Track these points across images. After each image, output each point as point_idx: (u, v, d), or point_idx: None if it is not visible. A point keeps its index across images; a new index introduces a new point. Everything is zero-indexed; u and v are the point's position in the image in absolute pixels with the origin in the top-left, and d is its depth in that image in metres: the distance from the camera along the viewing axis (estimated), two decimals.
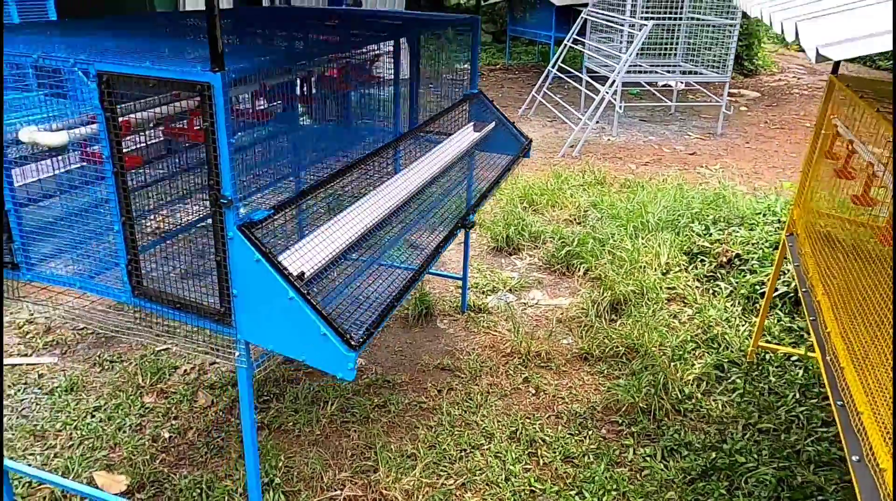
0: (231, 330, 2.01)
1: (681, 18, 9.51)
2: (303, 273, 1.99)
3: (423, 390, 3.56)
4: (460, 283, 4.48)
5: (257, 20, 3.33)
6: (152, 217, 2.26)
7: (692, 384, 3.61)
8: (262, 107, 2.92)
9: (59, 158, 2.21)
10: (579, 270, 4.87)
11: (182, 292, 2.05)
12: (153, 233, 2.27)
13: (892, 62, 13.28)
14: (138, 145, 2.23)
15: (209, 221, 2.73)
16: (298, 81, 3.16)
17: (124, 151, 1.94)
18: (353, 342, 1.90)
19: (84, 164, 2.19)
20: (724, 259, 4.73)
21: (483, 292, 4.61)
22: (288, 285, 1.88)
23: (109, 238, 2.20)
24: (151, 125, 2.35)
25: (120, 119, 1.95)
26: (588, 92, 9.19)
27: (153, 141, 2.55)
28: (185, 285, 2.09)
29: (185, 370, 3.64)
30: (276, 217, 2.09)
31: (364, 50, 3.24)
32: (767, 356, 3.83)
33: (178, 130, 2.49)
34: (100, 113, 1.87)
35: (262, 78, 2.46)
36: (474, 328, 4.18)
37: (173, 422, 3.25)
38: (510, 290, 4.66)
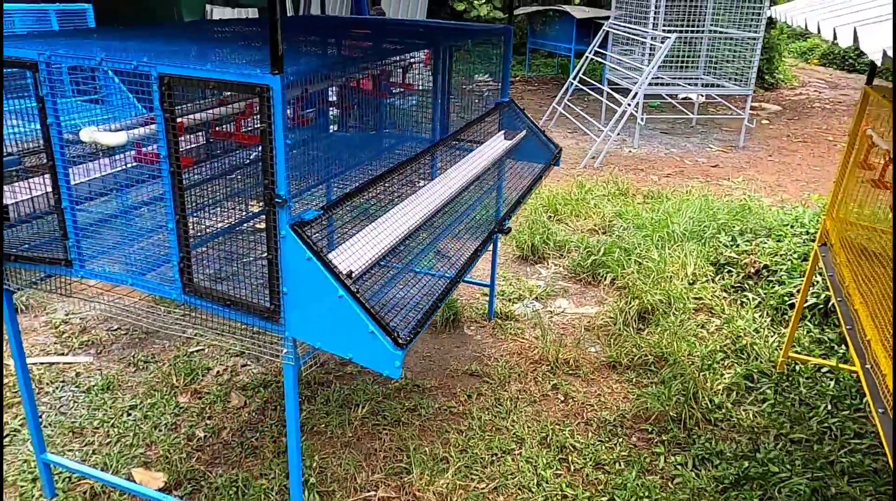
0: (280, 327, 2.05)
1: (703, 31, 9.53)
2: (351, 272, 2.03)
3: (453, 395, 3.58)
4: (487, 290, 4.51)
5: (294, 29, 3.40)
6: (203, 216, 2.31)
7: (722, 394, 3.60)
8: (303, 112, 2.98)
9: (115, 157, 2.28)
10: (605, 279, 4.88)
11: (231, 290, 2.09)
12: (203, 231, 2.32)
13: None
14: (190, 146, 2.30)
15: (254, 221, 2.79)
16: (336, 88, 3.23)
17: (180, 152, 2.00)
18: (400, 341, 1.94)
19: (138, 163, 2.25)
20: (752, 270, 4.72)
21: (509, 300, 4.64)
22: (338, 283, 1.92)
23: (161, 236, 2.26)
24: (203, 127, 2.42)
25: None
26: (609, 104, 9.23)
27: (200, 143, 2.61)
28: (234, 283, 2.14)
29: (218, 372, 3.69)
30: (323, 218, 2.14)
31: (400, 58, 3.30)
32: (798, 368, 3.82)
33: (226, 133, 2.55)
34: (160, 114, 1.93)
35: (306, 83, 2.52)
36: (501, 334, 4.20)
37: (207, 422, 3.30)
38: (536, 298, 4.68)
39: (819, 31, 1.75)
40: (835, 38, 1.54)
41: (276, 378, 3.63)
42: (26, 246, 2.36)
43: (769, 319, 4.29)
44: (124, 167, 2.30)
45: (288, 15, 10.19)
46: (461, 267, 2.52)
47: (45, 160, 2.18)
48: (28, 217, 2.37)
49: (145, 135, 2.13)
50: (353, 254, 2.16)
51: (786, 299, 4.37)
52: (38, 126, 2.08)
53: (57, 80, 2.10)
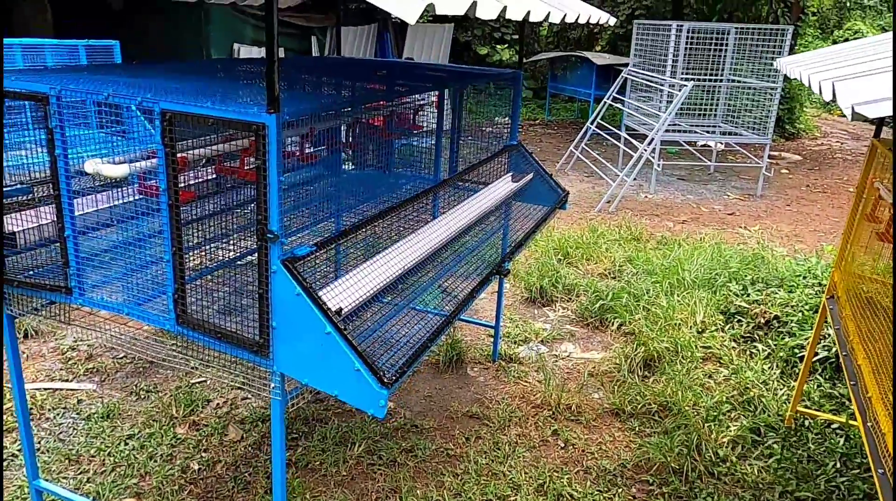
0: (268, 362, 2.06)
1: (721, 80, 9.59)
2: (340, 309, 2.04)
3: (451, 437, 3.54)
4: (492, 331, 4.49)
5: (308, 69, 3.50)
6: (198, 250, 2.35)
7: (727, 447, 3.51)
8: (309, 150, 3.03)
9: (118, 189, 2.33)
10: (613, 324, 4.83)
11: (222, 323, 2.11)
12: (198, 265, 2.36)
13: None
14: (191, 181, 2.35)
15: (250, 257, 2.82)
16: (344, 127, 3.29)
17: (179, 185, 2.05)
18: (385, 380, 1.93)
19: (139, 196, 2.30)
20: (762, 320, 4.64)
21: (515, 342, 4.60)
22: (326, 320, 1.93)
23: (157, 268, 2.30)
24: (204, 163, 2.47)
25: (178, 155, 2.06)
26: (626, 149, 9.27)
27: (202, 178, 2.67)
28: (225, 317, 2.16)
29: (218, 404, 3.70)
30: (317, 254, 2.16)
31: (409, 100, 3.37)
32: (807, 422, 3.71)
33: (230, 169, 2.61)
34: (160, 148, 1.98)
35: (311, 122, 2.58)
36: (505, 377, 4.16)
37: (203, 454, 3.29)
38: (542, 341, 4.64)
39: (810, 85, 1.76)
40: (820, 91, 1.55)
41: None
42: (30, 273, 2.41)
43: (779, 371, 4.20)
44: (128, 200, 2.35)
45: (313, 56, 10.45)
46: (455, 307, 2.51)
47: (52, 190, 2.24)
48: (33, 244, 2.43)
49: (147, 168, 2.18)
50: (346, 291, 2.17)
51: (796, 351, 4.28)
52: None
53: (70, 113, 2.17)
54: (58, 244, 2.36)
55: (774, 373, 4.18)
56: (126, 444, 3.32)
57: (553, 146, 11.43)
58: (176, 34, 8.77)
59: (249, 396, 3.79)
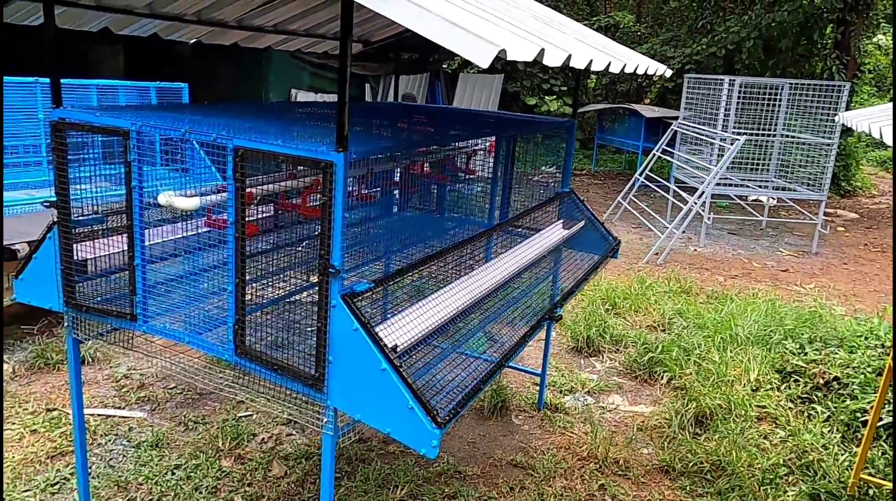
0: (322, 396, 2.07)
1: (774, 135, 9.48)
2: (396, 346, 2.05)
3: (495, 485, 3.46)
4: (537, 379, 4.42)
5: (366, 113, 3.61)
6: (258, 283, 2.41)
7: None
8: (366, 190, 3.11)
9: (186, 222, 2.42)
10: (662, 378, 4.71)
11: (279, 355, 2.14)
12: (258, 297, 2.41)
13: None
14: (259, 216, 2.43)
15: (307, 292, 2.87)
16: (400, 169, 3.37)
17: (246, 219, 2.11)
18: (438, 420, 1.92)
19: (206, 229, 2.39)
20: (821, 381, 4.46)
21: (560, 392, 4.52)
22: (382, 356, 1.95)
23: (218, 299, 2.36)
24: (269, 198, 2.55)
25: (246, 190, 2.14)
26: (675, 201, 9.18)
27: (268, 213, 2.75)
28: (282, 349, 2.19)
29: (263, 439, 3.71)
30: (375, 291, 2.19)
31: (465, 145, 3.43)
32: (871, 491, 3.52)
33: (292, 204, 2.69)
34: (231, 183, 2.06)
35: (370, 163, 2.65)
36: (550, 426, 4.08)
37: (247, 489, 3.29)
38: (588, 392, 4.55)
39: (881, 136, 1.74)
40: (881, 136, 1.53)
41: (318, 451, 3.61)
42: (98, 299, 2.50)
43: (839, 435, 4.01)
44: (194, 232, 2.44)
45: (367, 101, 10.78)
46: (507, 351, 2.50)
47: (124, 220, 2.35)
48: (102, 272, 2.53)
49: (217, 202, 2.27)
50: (401, 329, 2.19)
51: (858, 415, 4.08)
52: (123, 190, 2.26)
53: (147, 148, 2.29)
54: (121, 272, 2.46)
55: (835, 437, 3.98)
56: (173, 473, 3.35)
57: (600, 196, 11.40)
58: (238, 79, 9.18)
59: (294, 432, 3.80)
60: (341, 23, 1.78)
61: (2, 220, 2.43)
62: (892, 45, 12.37)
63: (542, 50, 1.70)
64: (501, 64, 13.29)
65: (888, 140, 1.60)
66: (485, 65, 1.43)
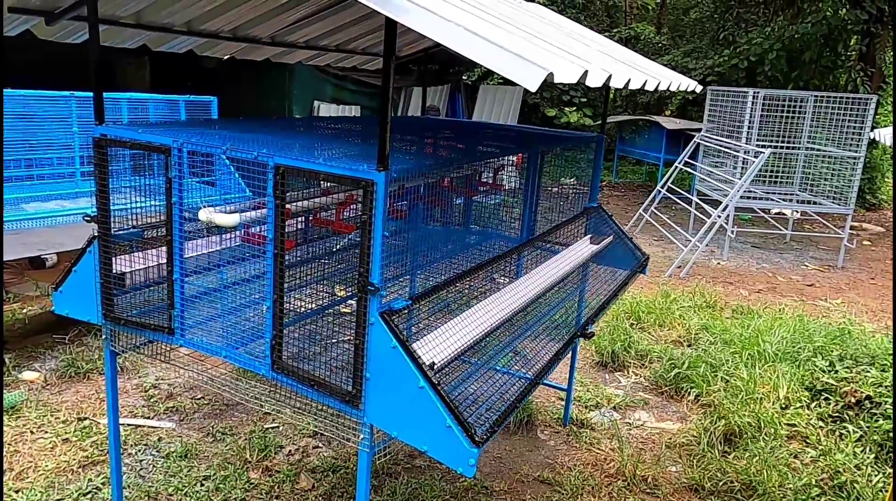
0: (359, 413, 2.08)
1: (798, 148, 9.39)
2: (433, 363, 2.06)
3: None
4: (563, 394, 4.40)
5: (396, 128, 3.63)
6: (296, 297, 2.42)
7: None
8: (398, 205, 3.12)
9: (225, 236, 2.45)
10: (689, 394, 4.66)
11: (316, 371, 2.15)
12: (294, 312, 2.43)
13: None
14: (292, 230, 2.45)
15: (340, 306, 2.89)
16: (431, 184, 3.38)
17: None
18: (476, 438, 1.92)
19: (244, 243, 2.41)
20: (853, 400, 4.39)
21: (586, 407, 4.49)
22: (419, 374, 1.95)
23: (256, 313, 2.38)
24: (306, 214, 2.58)
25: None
26: (698, 214, 9.12)
27: (300, 228, 2.77)
28: (319, 365, 2.20)
29: (290, 451, 3.72)
30: (411, 308, 2.20)
31: (494, 160, 3.44)
32: None
33: (325, 220, 2.71)
34: (271, 200, 2.08)
35: (406, 180, 2.66)
36: (576, 442, 4.05)
37: None
38: (614, 407, 4.51)
39: None
40: None
41: (345, 464, 3.62)
42: (136, 312, 2.53)
43: (872, 455, 3.94)
44: (230, 246, 2.46)
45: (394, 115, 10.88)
46: (541, 369, 2.49)
47: (163, 234, 2.38)
48: (139, 285, 2.56)
49: (255, 218, 2.29)
50: (437, 346, 2.19)
51: (891, 435, 4.01)
52: (161, 203, 2.29)
53: (189, 163, 2.32)
54: (158, 285, 2.49)
55: (868, 458, 3.91)
56: (202, 484, 3.37)
57: (621, 208, 11.35)
58: (262, 91, 9.28)
59: (321, 445, 3.81)
60: (384, 44, 1.80)
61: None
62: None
63: (586, 72, 1.70)
64: None
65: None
66: (534, 88, 1.44)
